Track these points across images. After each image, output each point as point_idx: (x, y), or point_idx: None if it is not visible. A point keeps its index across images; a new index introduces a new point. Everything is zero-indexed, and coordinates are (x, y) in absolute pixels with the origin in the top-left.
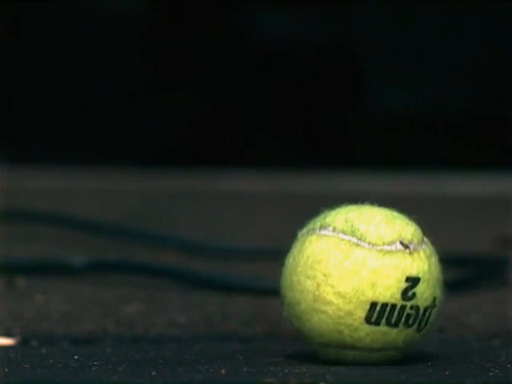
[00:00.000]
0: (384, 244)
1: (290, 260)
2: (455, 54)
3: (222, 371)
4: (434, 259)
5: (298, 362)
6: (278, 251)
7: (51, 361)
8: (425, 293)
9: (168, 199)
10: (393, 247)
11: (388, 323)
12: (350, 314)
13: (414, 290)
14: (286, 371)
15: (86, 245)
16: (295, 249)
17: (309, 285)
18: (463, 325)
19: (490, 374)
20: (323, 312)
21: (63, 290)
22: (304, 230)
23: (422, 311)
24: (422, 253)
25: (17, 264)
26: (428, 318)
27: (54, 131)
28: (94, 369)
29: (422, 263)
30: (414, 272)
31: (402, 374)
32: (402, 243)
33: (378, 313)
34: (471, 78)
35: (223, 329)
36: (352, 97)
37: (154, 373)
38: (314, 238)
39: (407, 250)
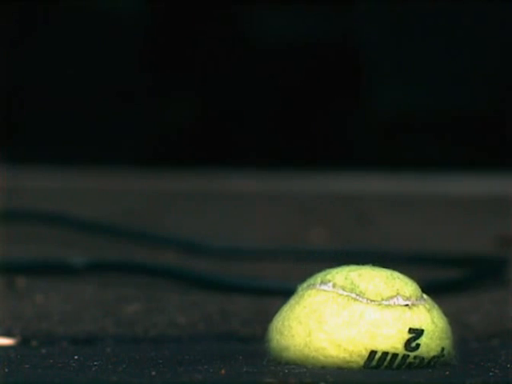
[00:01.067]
0: (382, 300)
1: (285, 309)
2: (455, 54)
3: (222, 371)
4: (436, 312)
5: None
6: (278, 251)
7: (51, 361)
8: (430, 344)
9: (168, 199)
10: (391, 302)
11: (390, 369)
12: (345, 361)
13: (417, 341)
14: (286, 371)
15: (85, 245)
16: (293, 300)
17: (300, 330)
18: (463, 325)
19: (490, 374)
20: (314, 358)
21: (63, 290)
22: (304, 285)
23: (426, 361)
24: (421, 307)
25: (17, 264)
26: (435, 364)
27: (54, 131)
28: (93, 369)
29: (424, 316)
30: (416, 324)
31: (402, 374)
32: (401, 297)
33: (377, 360)
34: (471, 78)
35: (223, 329)
36: (352, 97)
37: (153, 373)
38: (313, 292)
39: (406, 304)
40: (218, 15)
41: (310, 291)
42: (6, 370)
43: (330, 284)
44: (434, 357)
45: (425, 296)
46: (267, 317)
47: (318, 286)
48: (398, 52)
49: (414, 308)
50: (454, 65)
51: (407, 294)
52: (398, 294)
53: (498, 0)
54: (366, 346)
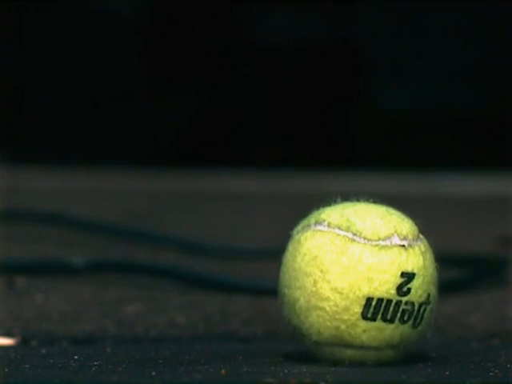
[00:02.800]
0: (379, 239)
1: (286, 258)
2: (455, 53)
3: (222, 371)
4: (429, 256)
5: (298, 362)
6: (278, 251)
7: (51, 361)
8: (420, 289)
9: (168, 199)
10: (388, 242)
11: (384, 319)
12: (346, 309)
13: (409, 286)
14: (286, 371)
15: (85, 245)
16: (291, 246)
17: (306, 281)
18: (463, 325)
19: (490, 374)
20: (321, 308)
21: (63, 290)
22: (299, 227)
23: (417, 307)
24: (417, 248)
25: (17, 264)
26: (423, 314)
27: (53, 131)
28: (94, 369)
29: (417, 259)
30: (409, 267)
31: (402, 374)
32: (397, 237)
33: (373, 308)
34: (471, 78)
35: (223, 329)
36: (352, 97)
37: (154, 373)
38: (309, 234)
39: (403, 244)
40: (218, 15)
41: (305, 234)
42: (6, 370)
43: (325, 223)
44: (421, 304)
45: (421, 236)
46: (267, 317)
47: (312, 226)
48: (397, 52)
49: (410, 250)
50: (454, 65)
51: (404, 232)
52: (395, 231)
53: (498, 0)
54: (364, 293)
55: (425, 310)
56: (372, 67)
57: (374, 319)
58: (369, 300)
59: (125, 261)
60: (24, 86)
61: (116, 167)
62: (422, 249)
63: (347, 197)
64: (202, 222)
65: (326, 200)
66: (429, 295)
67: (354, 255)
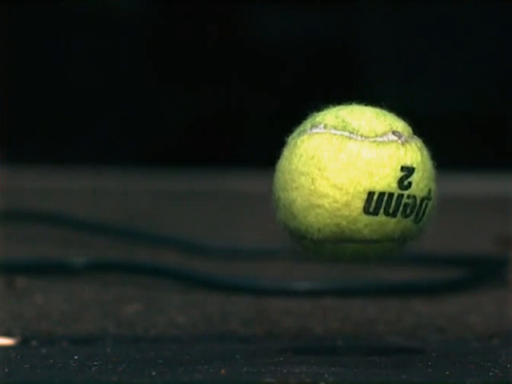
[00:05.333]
0: (377, 136)
1: (281, 162)
2: (455, 53)
3: (222, 371)
4: (426, 153)
5: (298, 362)
6: (278, 251)
7: (51, 361)
8: (420, 183)
9: (168, 199)
10: (385, 138)
11: (386, 213)
12: (347, 205)
13: (409, 180)
14: (286, 371)
15: (85, 245)
16: (287, 151)
17: (303, 180)
18: (463, 325)
19: (490, 374)
20: (320, 206)
21: (63, 290)
22: (294, 134)
23: (418, 201)
24: (414, 144)
25: (17, 264)
26: (425, 209)
27: (53, 131)
28: (93, 369)
29: (415, 154)
30: (408, 161)
31: (402, 374)
32: (394, 133)
33: (375, 202)
34: (471, 79)
35: (223, 329)
36: (352, 97)
37: (154, 373)
38: (305, 137)
39: (400, 140)
40: (219, 15)
41: (302, 137)
42: (6, 369)
43: (321, 125)
44: (423, 198)
45: (415, 136)
46: (267, 317)
47: (309, 130)
48: (398, 52)
49: (407, 145)
50: (454, 65)
51: (400, 129)
52: (391, 128)
53: (498, 0)
54: (365, 187)
55: (426, 205)
56: (372, 67)
57: (376, 213)
58: (370, 194)
59: (125, 261)
60: (24, 86)
61: (116, 167)
62: (419, 145)
63: None
64: (202, 222)
65: None
66: (430, 190)
67: (352, 152)
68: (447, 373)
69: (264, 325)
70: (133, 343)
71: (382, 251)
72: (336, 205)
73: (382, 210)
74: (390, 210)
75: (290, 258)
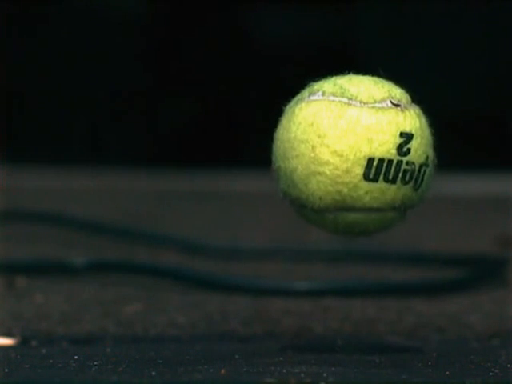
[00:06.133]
0: (375, 102)
1: (280, 131)
2: (455, 53)
3: (222, 371)
4: (424, 120)
5: (298, 361)
6: (278, 251)
7: (51, 361)
8: (419, 149)
9: (168, 199)
10: (384, 104)
11: (386, 179)
12: (347, 172)
13: (408, 146)
14: (286, 371)
15: (86, 245)
16: (284, 119)
17: (303, 148)
18: (463, 325)
19: (490, 374)
20: (320, 173)
21: (63, 290)
22: (292, 102)
23: (417, 168)
24: (412, 111)
25: (17, 264)
26: (423, 176)
27: (53, 131)
28: (93, 369)
29: (414, 120)
30: (407, 128)
31: (402, 374)
32: (392, 102)
33: (375, 168)
34: (471, 78)
35: (223, 329)
36: None
37: (154, 373)
38: (303, 105)
39: (398, 107)
40: (218, 15)
41: (300, 105)
42: (6, 369)
43: (319, 93)
44: (422, 165)
45: (413, 104)
46: (267, 317)
47: (306, 98)
48: (398, 52)
49: (406, 112)
50: (454, 65)
51: (398, 96)
52: (389, 95)
53: (498, 0)
54: (365, 154)
55: (425, 171)
56: (372, 67)
57: (376, 180)
58: (370, 160)
59: (125, 261)
60: (24, 86)
61: (116, 167)
62: (417, 112)
63: None
64: (202, 221)
65: None
66: (427, 157)
67: (351, 118)
68: (447, 373)
69: (264, 325)
70: (133, 343)
71: (383, 221)
72: (337, 172)
73: (381, 177)
74: (390, 177)
75: (290, 258)
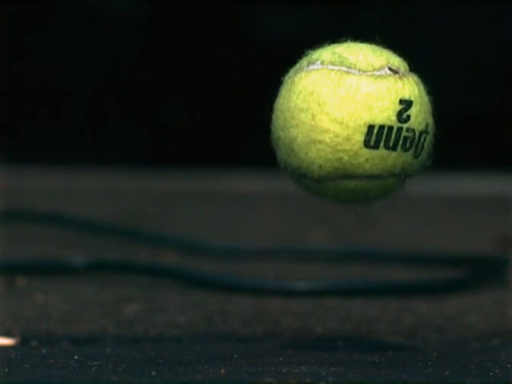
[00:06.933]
0: (374, 70)
1: (279, 101)
2: (455, 53)
3: (222, 371)
4: (423, 87)
5: (298, 362)
6: (278, 251)
7: (51, 361)
8: (418, 116)
9: (168, 199)
10: (382, 72)
11: (386, 146)
12: (348, 139)
13: (408, 113)
14: (286, 371)
15: (86, 245)
16: (284, 89)
17: (303, 117)
18: (463, 325)
19: (490, 374)
20: (321, 142)
21: (63, 290)
22: (290, 73)
23: (417, 135)
24: (410, 79)
25: (17, 264)
26: (423, 143)
27: (53, 131)
28: (94, 369)
29: (413, 87)
30: (406, 95)
31: (402, 374)
32: (390, 69)
33: (375, 135)
34: (471, 78)
35: (223, 329)
36: None
37: (154, 373)
38: (303, 74)
39: (397, 74)
40: (218, 15)
41: (299, 75)
42: (6, 369)
43: (318, 62)
44: (421, 132)
45: (411, 72)
46: (267, 317)
47: (305, 68)
48: (398, 52)
49: (404, 79)
50: (454, 65)
51: (396, 64)
52: (387, 62)
53: (499, 0)
54: (365, 121)
55: (425, 139)
56: None
57: (376, 147)
58: (370, 127)
59: (125, 261)
60: (24, 85)
61: (116, 167)
62: (415, 79)
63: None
64: (202, 221)
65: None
66: (427, 124)
67: (350, 86)
68: (447, 373)
69: (264, 325)
70: (133, 343)
71: (383, 188)
72: (337, 139)
73: (382, 144)
74: (390, 144)
75: (290, 258)
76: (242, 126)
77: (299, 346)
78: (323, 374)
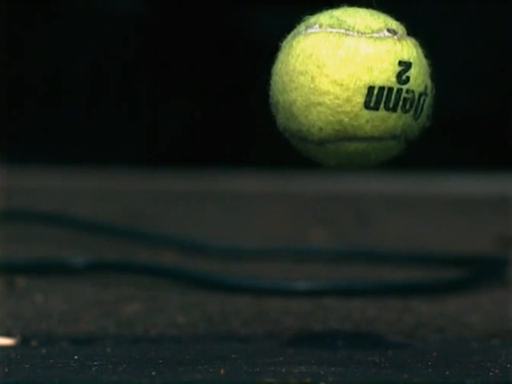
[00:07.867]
0: (373, 32)
1: (278, 66)
2: (455, 53)
3: (222, 371)
4: (421, 50)
5: (298, 362)
6: (278, 251)
7: (51, 361)
8: (418, 78)
9: (168, 199)
10: (381, 34)
11: (386, 107)
12: (348, 100)
13: (407, 74)
14: (286, 371)
15: (85, 245)
16: (282, 54)
17: (302, 80)
18: (463, 325)
19: (490, 374)
20: (321, 104)
21: (63, 290)
22: (288, 38)
23: (417, 96)
24: (409, 41)
25: (17, 264)
26: (423, 105)
27: (53, 131)
28: (94, 369)
29: (411, 49)
30: (405, 56)
31: (402, 374)
32: (389, 30)
33: (376, 96)
34: (471, 78)
35: (223, 329)
36: None
37: (154, 373)
38: (301, 38)
39: (395, 37)
40: (218, 15)
41: (297, 39)
42: (6, 369)
43: (316, 26)
44: (421, 94)
45: (409, 35)
46: (267, 317)
47: (303, 31)
48: None
49: (403, 41)
50: (454, 65)
51: (394, 26)
52: (385, 25)
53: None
54: (365, 82)
55: (424, 101)
56: None
57: (376, 108)
58: (370, 89)
59: (125, 261)
60: (24, 85)
61: (116, 167)
62: (414, 42)
63: (348, 197)
64: (201, 221)
65: (330, 201)
66: (426, 86)
67: (350, 47)
68: (447, 373)
69: (264, 325)
70: (133, 343)
71: (384, 150)
72: (337, 101)
73: (382, 105)
74: (391, 105)
75: (290, 258)
76: (242, 126)
77: (299, 346)
78: (323, 373)
